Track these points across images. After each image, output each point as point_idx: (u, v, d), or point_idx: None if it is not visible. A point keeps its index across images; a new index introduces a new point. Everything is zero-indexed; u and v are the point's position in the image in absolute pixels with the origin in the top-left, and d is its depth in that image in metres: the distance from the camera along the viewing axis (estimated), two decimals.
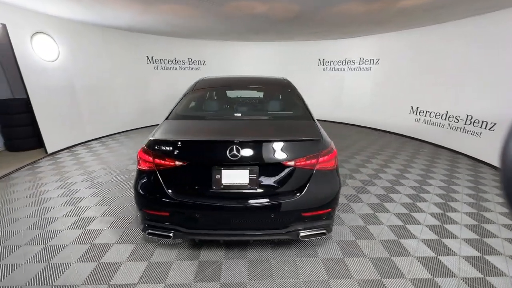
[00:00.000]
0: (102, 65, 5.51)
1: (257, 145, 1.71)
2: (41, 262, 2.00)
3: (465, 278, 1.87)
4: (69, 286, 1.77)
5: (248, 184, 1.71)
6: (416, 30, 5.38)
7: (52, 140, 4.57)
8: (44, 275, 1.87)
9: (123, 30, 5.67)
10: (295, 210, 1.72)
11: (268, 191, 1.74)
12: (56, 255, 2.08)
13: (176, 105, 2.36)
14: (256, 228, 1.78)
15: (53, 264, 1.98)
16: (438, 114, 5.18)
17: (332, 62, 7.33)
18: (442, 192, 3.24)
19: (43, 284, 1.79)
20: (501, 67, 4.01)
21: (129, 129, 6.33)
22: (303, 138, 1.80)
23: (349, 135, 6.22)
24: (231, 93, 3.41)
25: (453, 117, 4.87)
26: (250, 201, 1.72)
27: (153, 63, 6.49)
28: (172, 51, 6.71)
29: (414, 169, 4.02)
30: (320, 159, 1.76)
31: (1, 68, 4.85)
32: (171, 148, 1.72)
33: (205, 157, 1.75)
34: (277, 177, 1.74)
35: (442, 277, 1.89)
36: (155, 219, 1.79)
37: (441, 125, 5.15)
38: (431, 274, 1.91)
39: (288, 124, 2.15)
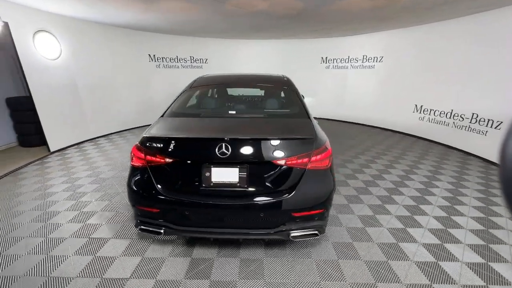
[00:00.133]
0: (104, 63, 5.52)
1: (247, 143, 1.69)
2: (41, 254, 2.07)
3: (466, 286, 1.78)
4: (64, 278, 1.82)
5: (238, 182, 1.69)
6: (420, 27, 5.28)
7: (54, 138, 4.58)
8: (42, 267, 1.93)
9: (125, 28, 5.68)
10: (286, 209, 1.69)
11: (258, 190, 1.72)
12: (55, 247, 2.14)
13: (173, 103, 2.38)
14: (245, 227, 1.76)
15: (52, 256, 2.04)
16: (442, 112, 5.07)
17: (335, 60, 7.24)
18: (449, 195, 3.11)
19: (40, 275, 1.85)
20: (507, 64, 3.89)
21: (133, 127, 6.39)
22: (295, 137, 1.76)
23: (352, 134, 6.08)
24: (229, 91, 3.40)
25: (458, 116, 4.77)
26: (240, 199, 1.70)
27: (155, 61, 6.50)
28: (174, 49, 6.72)
29: (421, 170, 3.87)
30: (313, 158, 1.72)
31: (14, 66, 5.04)
32: (161, 145, 1.72)
33: (194, 154, 1.74)
34: (267, 176, 1.71)
35: (441, 283, 1.80)
36: (146, 216, 1.81)
37: (445, 123, 5.04)
38: (429, 280, 1.83)
39: (283, 122, 2.12)
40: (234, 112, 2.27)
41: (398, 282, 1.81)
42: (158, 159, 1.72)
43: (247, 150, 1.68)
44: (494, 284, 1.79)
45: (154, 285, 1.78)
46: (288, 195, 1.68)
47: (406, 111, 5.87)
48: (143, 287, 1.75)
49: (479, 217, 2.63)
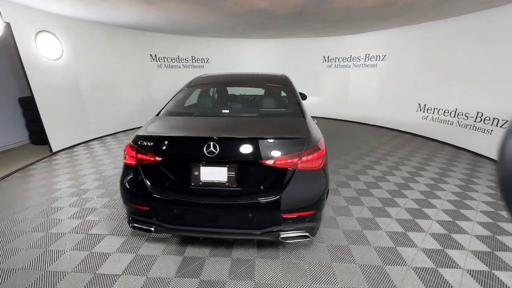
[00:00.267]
0: (106, 63, 5.53)
1: (236, 143, 1.68)
2: (40, 248, 2.14)
3: None
4: (59, 272, 1.87)
5: (227, 182, 1.68)
6: (423, 25, 5.19)
7: (56, 137, 4.59)
8: (40, 260, 1.99)
9: (126, 28, 5.68)
10: (274, 210, 1.66)
11: (247, 190, 1.70)
12: (54, 242, 2.21)
13: (169, 101, 2.40)
14: (234, 227, 1.74)
15: (50, 250, 2.11)
16: (446, 111, 4.98)
17: (337, 59, 7.16)
18: (455, 198, 2.97)
19: (37, 268, 1.91)
20: (511, 62, 3.83)
21: (138, 126, 6.50)
22: (285, 136, 1.72)
23: (355, 134, 5.93)
24: (227, 90, 3.39)
25: (462, 114, 4.68)
26: (228, 199, 1.69)
27: (156, 61, 6.50)
28: (175, 49, 6.73)
29: (427, 172, 3.73)
30: (303, 159, 1.68)
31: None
32: (151, 143, 1.74)
33: (183, 153, 1.74)
34: (256, 176, 1.69)
35: None
36: (138, 213, 1.83)
37: (449, 122, 4.95)
38: (425, 287, 1.75)
39: (276, 121, 2.09)
40: (227, 111, 2.26)
41: None
42: (148, 158, 1.74)
43: (235, 149, 1.66)
44: None
45: (144, 282, 1.79)
46: (277, 195, 1.65)
47: (409, 110, 5.80)
48: (134, 284, 1.77)
49: (487, 222, 2.50)
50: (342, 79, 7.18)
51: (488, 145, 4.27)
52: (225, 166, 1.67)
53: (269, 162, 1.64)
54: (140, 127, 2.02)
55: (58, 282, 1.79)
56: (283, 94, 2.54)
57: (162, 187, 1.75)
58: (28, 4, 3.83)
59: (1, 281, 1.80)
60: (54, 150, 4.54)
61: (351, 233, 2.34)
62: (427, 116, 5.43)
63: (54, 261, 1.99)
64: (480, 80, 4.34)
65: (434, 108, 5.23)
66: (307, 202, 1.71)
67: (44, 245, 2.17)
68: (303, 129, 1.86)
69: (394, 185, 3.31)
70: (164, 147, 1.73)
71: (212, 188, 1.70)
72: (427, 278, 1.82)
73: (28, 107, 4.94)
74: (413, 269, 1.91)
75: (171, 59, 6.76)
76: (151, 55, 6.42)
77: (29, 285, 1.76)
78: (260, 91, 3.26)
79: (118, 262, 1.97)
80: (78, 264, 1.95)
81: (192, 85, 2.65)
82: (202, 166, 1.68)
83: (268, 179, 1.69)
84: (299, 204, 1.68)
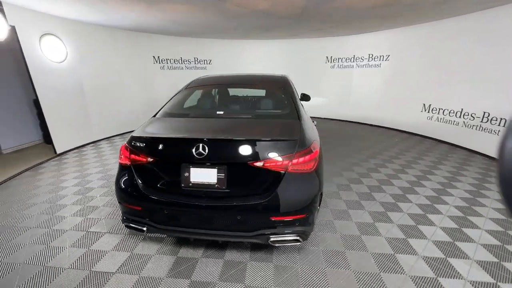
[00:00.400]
0: (110, 65, 5.58)
1: (225, 144, 1.67)
2: (42, 244, 2.22)
3: None
4: (57, 268, 1.94)
5: (216, 183, 1.67)
6: (427, 25, 5.12)
7: (60, 139, 4.64)
8: (41, 256, 2.06)
9: (129, 31, 5.76)
10: (263, 213, 1.64)
11: (236, 192, 1.69)
12: (55, 239, 2.29)
13: (166, 103, 2.43)
14: (224, 229, 1.73)
15: (51, 247, 2.18)
16: (452, 111, 4.88)
17: (340, 59, 7.10)
18: (464, 204, 2.82)
19: (37, 264, 1.98)
20: None
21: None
22: (275, 138, 1.70)
23: (359, 134, 5.78)
24: (224, 92, 3.38)
25: (468, 115, 4.57)
26: (218, 200, 1.68)
27: (159, 62, 6.56)
28: (178, 51, 6.79)
29: (436, 176, 3.57)
30: (294, 161, 1.65)
31: None
32: (143, 144, 1.76)
33: (173, 154, 1.76)
34: (245, 178, 1.68)
35: None
36: (131, 213, 1.86)
37: (455, 122, 4.84)
38: None
39: (269, 123, 2.06)
40: (222, 112, 2.26)
41: None
42: (140, 158, 1.77)
43: (224, 151, 1.66)
44: None
45: (136, 281, 1.82)
46: (266, 198, 1.63)
47: (413, 110, 5.71)
48: (126, 282, 1.80)
49: (496, 230, 2.36)
50: (346, 79, 7.12)
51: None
52: (215, 168, 1.67)
53: (258, 164, 1.62)
54: None
55: (55, 278, 1.85)
56: (280, 95, 2.51)
57: (154, 187, 1.77)
58: (32, 8, 3.88)
59: (3, 275, 1.88)
60: (58, 151, 4.61)
61: (349, 238, 2.27)
62: (432, 117, 5.34)
63: (53, 257, 2.05)
64: (486, 80, 4.27)
65: (439, 108, 5.15)
66: (298, 205, 1.67)
67: (46, 241, 2.25)
68: (296, 131, 1.83)
69: (399, 189, 3.20)
70: (155, 148, 1.75)
71: (202, 189, 1.70)
72: None
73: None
74: (411, 278, 1.83)
75: (174, 61, 6.84)
76: (154, 56, 6.48)
77: (27, 280, 1.83)
78: (257, 92, 3.24)
79: (114, 260, 2.01)
80: (75, 261, 2.01)
81: (189, 87, 2.68)
82: (192, 167, 1.69)
83: (257, 181, 1.67)
84: (289, 208, 1.65)
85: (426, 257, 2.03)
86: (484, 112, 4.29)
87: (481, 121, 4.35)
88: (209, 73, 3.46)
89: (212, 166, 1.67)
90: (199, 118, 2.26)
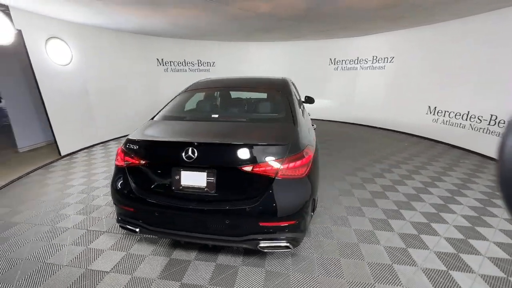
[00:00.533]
0: (114, 68, 5.62)
1: (214, 148, 1.67)
2: (44, 241, 2.30)
3: None
4: (55, 265, 2.00)
5: (206, 187, 1.68)
6: (433, 27, 5.04)
7: (65, 142, 4.70)
8: (42, 253, 2.14)
9: (133, 33, 5.82)
10: (252, 218, 1.62)
11: (225, 196, 1.68)
12: (57, 236, 2.37)
13: (165, 106, 2.47)
14: (213, 233, 1.73)
15: (52, 244, 2.26)
16: (458, 114, 4.76)
17: (343, 61, 7.00)
18: (473, 213, 2.67)
19: (38, 260, 2.06)
20: None
21: None
22: (266, 143, 1.68)
23: (365, 137, 5.62)
24: (223, 95, 3.38)
25: (475, 117, 4.44)
26: (207, 204, 1.68)
27: (163, 65, 6.61)
28: (181, 53, 6.84)
29: (445, 182, 3.41)
30: (284, 166, 1.62)
31: None
32: (137, 147, 1.80)
33: (164, 157, 1.78)
34: (234, 182, 1.67)
35: None
36: (124, 214, 1.90)
37: (461, 125, 4.72)
38: None
39: (262, 127, 2.04)
40: (217, 116, 2.26)
41: None
42: (134, 160, 1.80)
43: (214, 155, 1.66)
44: None
45: (128, 281, 1.85)
46: (255, 203, 1.61)
47: (418, 112, 5.60)
48: (118, 282, 1.84)
49: (506, 243, 2.21)
50: (349, 81, 7.03)
51: None
52: (204, 172, 1.67)
53: (247, 169, 1.61)
54: None
55: (53, 274, 1.92)
56: (278, 98, 2.49)
57: (147, 190, 1.80)
58: (38, 12, 3.96)
59: (6, 269, 1.97)
60: (63, 153, 4.65)
61: (346, 245, 2.21)
62: (437, 119, 5.22)
63: (53, 254, 2.13)
64: (493, 82, 4.16)
65: (445, 111, 5.02)
66: (288, 211, 1.64)
67: (48, 238, 2.34)
68: (288, 136, 1.80)
69: (404, 195, 3.08)
70: (147, 151, 1.78)
71: (192, 193, 1.71)
72: None
73: None
74: None
75: (178, 63, 6.90)
76: (157, 59, 6.53)
77: (27, 275, 1.90)
78: (256, 96, 3.23)
79: (109, 259, 2.06)
80: (73, 259, 2.07)
81: (189, 90, 2.71)
82: (183, 170, 1.70)
83: (247, 186, 1.65)
84: (279, 213, 1.62)
85: (426, 269, 1.93)
86: (491, 115, 4.16)
87: (489, 124, 4.21)
88: (213, 75, 3.48)
89: (201, 169, 1.68)
90: (194, 121, 2.28)
